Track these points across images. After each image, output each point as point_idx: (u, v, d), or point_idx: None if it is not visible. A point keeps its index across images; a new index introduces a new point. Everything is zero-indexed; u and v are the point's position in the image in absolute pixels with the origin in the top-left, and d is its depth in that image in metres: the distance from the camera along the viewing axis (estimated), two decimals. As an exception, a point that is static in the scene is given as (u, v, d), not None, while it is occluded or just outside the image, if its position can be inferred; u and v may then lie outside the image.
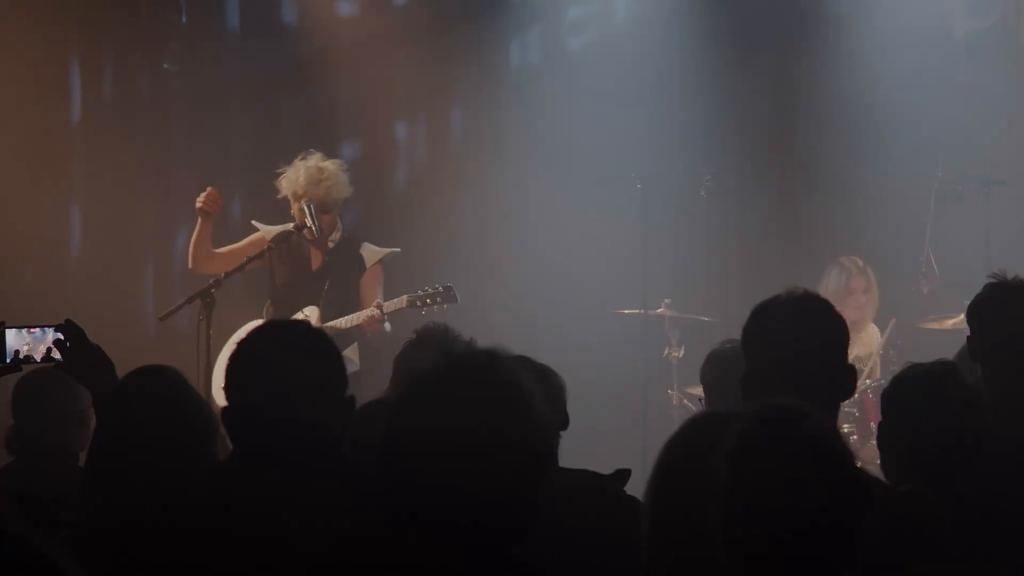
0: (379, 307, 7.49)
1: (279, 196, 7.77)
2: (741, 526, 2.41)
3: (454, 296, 7.59)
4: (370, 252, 7.79)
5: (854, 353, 8.42)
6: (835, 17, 9.68)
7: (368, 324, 7.47)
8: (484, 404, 2.40)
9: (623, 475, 3.67)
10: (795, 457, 2.43)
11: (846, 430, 7.86)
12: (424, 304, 7.53)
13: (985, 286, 4.49)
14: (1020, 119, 9.19)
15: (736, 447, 2.43)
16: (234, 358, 3.32)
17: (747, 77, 9.75)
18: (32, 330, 4.31)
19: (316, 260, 7.76)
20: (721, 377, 4.68)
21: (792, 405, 2.51)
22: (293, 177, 7.65)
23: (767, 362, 3.61)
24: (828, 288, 8.44)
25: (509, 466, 2.38)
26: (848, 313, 8.36)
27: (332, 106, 9.42)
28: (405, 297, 7.56)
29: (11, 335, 4.31)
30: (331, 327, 7.31)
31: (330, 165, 7.70)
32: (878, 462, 3.95)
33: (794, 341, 3.64)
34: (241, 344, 3.33)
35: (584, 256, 9.43)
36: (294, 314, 7.60)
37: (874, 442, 4.28)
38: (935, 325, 8.23)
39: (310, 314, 7.60)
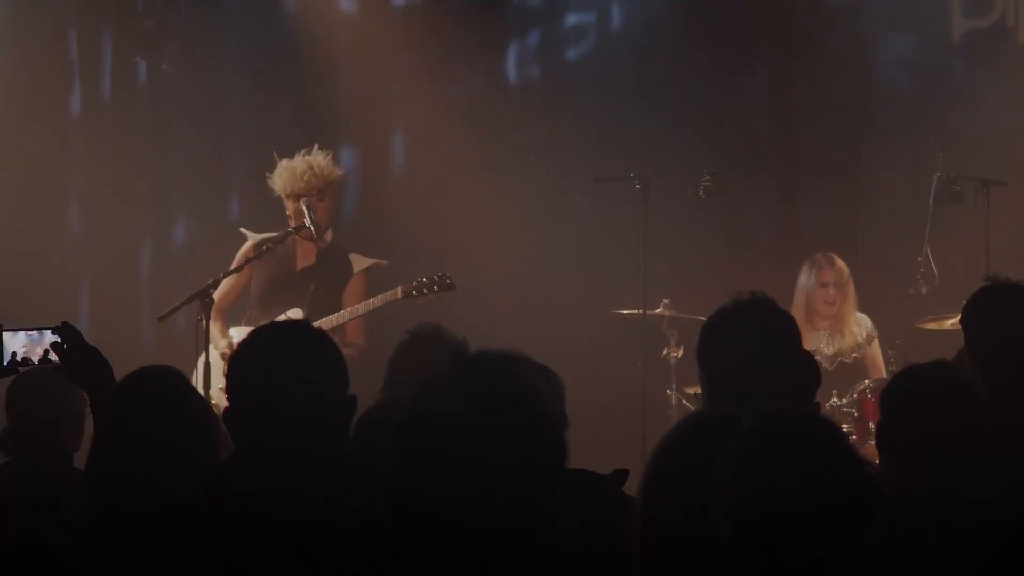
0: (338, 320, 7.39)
1: (275, 196, 7.77)
2: (750, 530, 2.41)
3: (451, 284, 7.48)
4: (358, 260, 7.74)
5: (835, 347, 8.43)
6: (833, 17, 9.68)
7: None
8: (497, 406, 2.40)
9: (621, 475, 3.67)
10: (802, 458, 2.44)
11: (845, 430, 7.86)
12: (420, 294, 7.43)
13: (980, 288, 4.51)
14: (1019, 119, 9.19)
15: (741, 452, 2.43)
16: (236, 358, 3.33)
17: (747, 77, 9.75)
18: (29, 332, 4.30)
19: (303, 261, 7.70)
20: None
21: (793, 408, 2.52)
22: (279, 177, 7.66)
23: (727, 372, 3.64)
24: (800, 284, 8.46)
25: (521, 468, 2.38)
26: (820, 307, 8.38)
27: (331, 106, 9.42)
28: (399, 288, 7.47)
29: (8, 337, 4.30)
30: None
31: (317, 157, 7.67)
32: (877, 462, 3.95)
33: (746, 346, 3.67)
34: (243, 345, 3.34)
35: (583, 256, 9.42)
36: (277, 316, 7.54)
37: (873, 442, 4.29)
38: (934, 325, 8.23)
39: (293, 316, 7.53)
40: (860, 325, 8.48)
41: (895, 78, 9.55)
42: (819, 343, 8.35)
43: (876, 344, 8.40)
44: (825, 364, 8.27)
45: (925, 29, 9.56)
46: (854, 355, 8.42)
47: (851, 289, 8.46)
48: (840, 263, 8.43)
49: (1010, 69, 9.37)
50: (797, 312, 8.24)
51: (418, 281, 7.46)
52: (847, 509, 2.43)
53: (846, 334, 8.44)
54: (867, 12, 9.66)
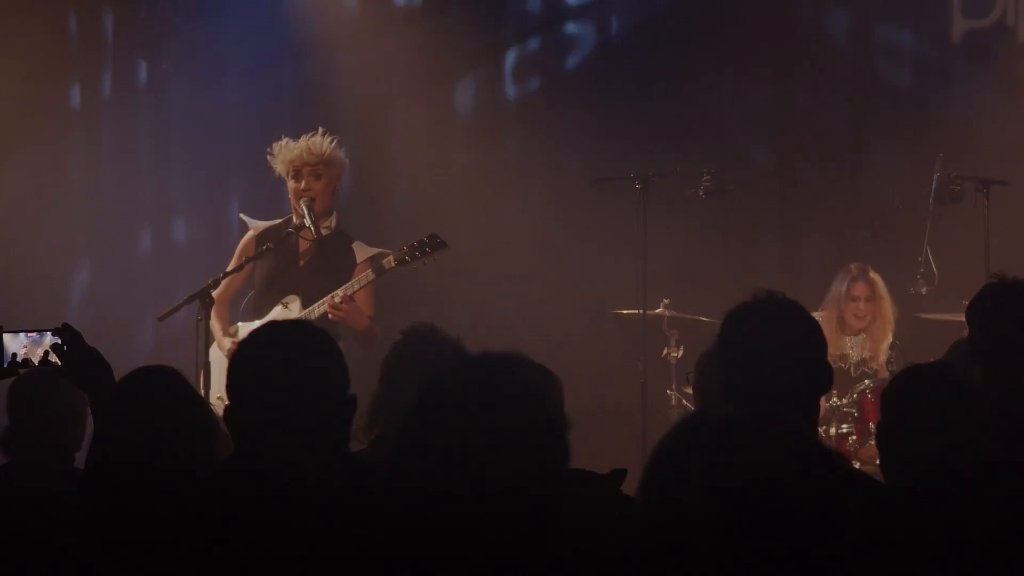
0: (340, 294, 7.23)
1: (275, 179, 7.69)
2: (729, 534, 2.43)
3: (442, 243, 7.31)
4: (361, 249, 7.65)
5: (862, 354, 8.42)
6: (833, 17, 9.68)
7: (332, 312, 7.22)
8: (499, 408, 2.40)
9: (619, 475, 3.68)
10: (761, 459, 2.47)
11: (845, 430, 7.87)
12: (414, 259, 7.30)
13: (984, 287, 4.52)
14: (1020, 119, 9.19)
15: (707, 459, 2.47)
16: (236, 358, 3.33)
17: (747, 77, 9.75)
18: (30, 334, 4.31)
19: (304, 247, 7.60)
20: (704, 384, 4.81)
21: (756, 411, 2.55)
22: (278, 153, 7.58)
23: (744, 369, 3.67)
24: (832, 294, 8.45)
25: (523, 470, 2.38)
26: (850, 321, 8.38)
27: (331, 106, 9.42)
28: (391, 257, 7.29)
29: (8, 339, 4.31)
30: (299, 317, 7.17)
31: (317, 137, 7.60)
32: (878, 462, 3.96)
33: (767, 345, 3.70)
34: (244, 343, 3.34)
35: (583, 256, 9.42)
36: (277, 303, 7.52)
37: (873, 442, 4.29)
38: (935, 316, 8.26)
39: (291, 303, 7.49)
40: (888, 340, 8.48)
41: (895, 78, 9.55)
42: (847, 348, 8.35)
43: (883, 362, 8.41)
44: (849, 370, 8.27)
45: (925, 29, 9.57)
46: (876, 368, 8.40)
47: (886, 305, 8.42)
48: (873, 277, 8.40)
49: (1010, 69, 9.37)
50: (829, 317, 8.25)
51: (409, 246, 7.32)
52: (817, 498, 2.45)
53: (878, 347, 8.40)
54: (867, 12, 9.66)
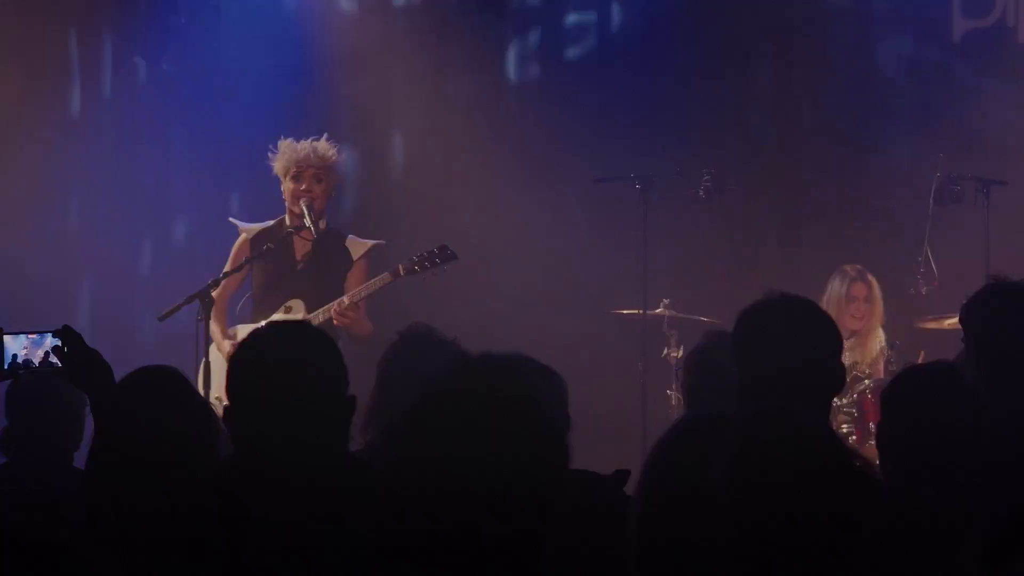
0: (347, 300, 7.25)
1: (274, 175, 7.70)
2: (746, 530, 2.43)
3: (452, 254, 7.36)
4: (356, 245, 7.66)
5: (853, 358, 8.43)
6: (834, 17, 9.69)
7: (337, 319, 7.25)
8: (497, 411, 2.39)
9: (622, 476, 3.68)
10: (791, 455, 2.46)
11: (845, 430, 7.87)
12: (423, 268, 7.33)
13: (980, 288, 4.53)
14: (1019, 119, 9.19)
15: (733, 454, 2.46)
16: (236, 358, 3.33)
17: (747, 77, 9.75)
18: (30, 335, 4.31)
19: (300, 251, 7.62)
20: (692, 383, 4.83)
21: (779, 407, 2.55)
22: (281, 154, 7.60)
23: (758, 368, 3.68)
24: (830, 295, 8.45)
25: (523, 472, 2.38)
26: (848, 322, 8.38)
27: (330, 106, 9.43)
28: (399, 266, 7.34)
29: (9, 340, 4.31)
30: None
31: (321, 142, 7.63)
32: (877, 462, 3.96)
33: (781, 345, 3.71)
34: (243, 344, 3.35)
35: (583, 256, 9.42)
36: (279, 307, 7.52)
37: (873, 442, 4.29)
38: (934, 325, 8.24)
39: (294, 306, 7.50)
40: (876, 340, 8.49)
41: (895, 78, 9.55)
42: (844, 350, 8.36)
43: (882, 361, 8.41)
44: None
45: (925, 29, 9.57)
46: (868, 371, 8.41)
47: (880, 306, 8.45)
48: (871, 278, 8.43)
49: (1010, 69, 9.37)
50: None
51: (418, 256, 7.36)
52: (839, 502, 2.45)
53: (867, 350, 8.43)
54: (867, 12, 9.66)
